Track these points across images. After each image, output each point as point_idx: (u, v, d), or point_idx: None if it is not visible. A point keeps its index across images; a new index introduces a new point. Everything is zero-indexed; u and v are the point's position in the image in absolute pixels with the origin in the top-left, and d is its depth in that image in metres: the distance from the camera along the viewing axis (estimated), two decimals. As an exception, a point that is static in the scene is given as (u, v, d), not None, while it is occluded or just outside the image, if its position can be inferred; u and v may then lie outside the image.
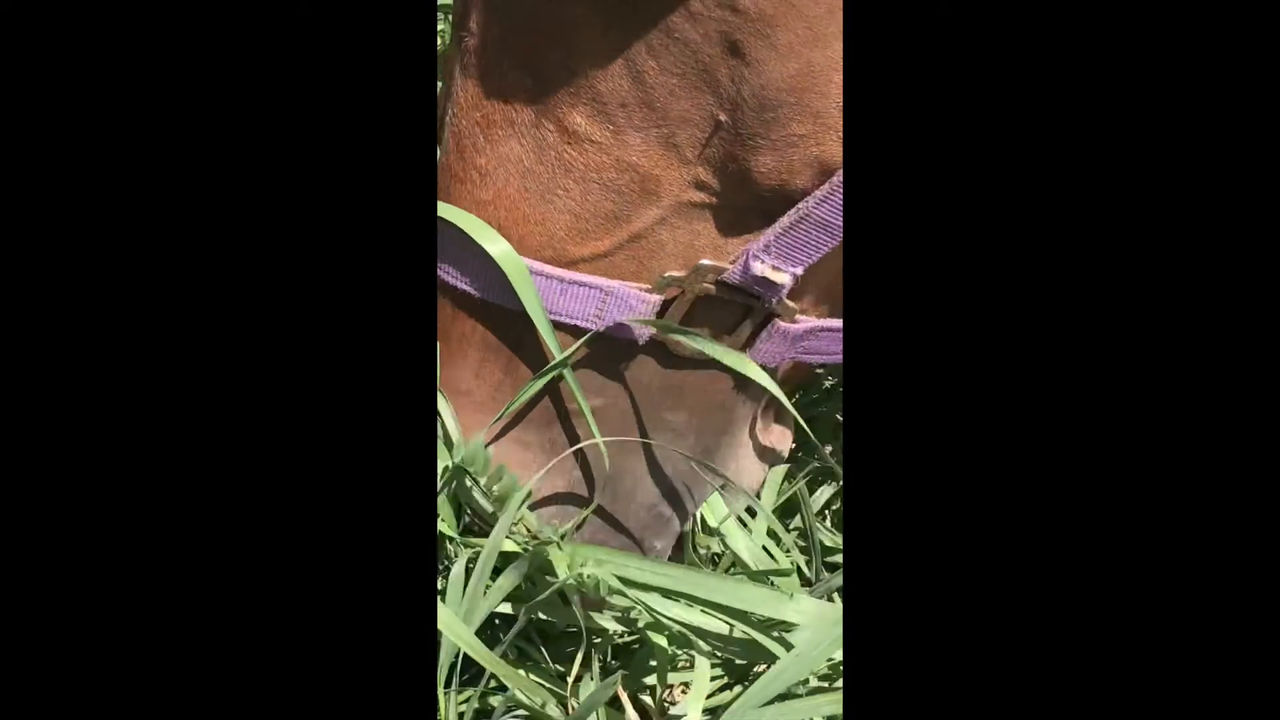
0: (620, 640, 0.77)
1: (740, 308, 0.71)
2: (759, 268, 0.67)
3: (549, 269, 0.68)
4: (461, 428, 0.73)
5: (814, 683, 0.72)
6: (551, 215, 0.68)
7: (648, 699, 0.76)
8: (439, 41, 0.92)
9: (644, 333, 0.70)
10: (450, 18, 0.96)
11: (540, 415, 0.74)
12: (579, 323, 0.69)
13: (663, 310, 0.70)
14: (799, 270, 0.68)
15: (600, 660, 0.75)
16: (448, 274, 0.70)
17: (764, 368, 0.73)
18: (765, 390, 0.75)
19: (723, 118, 0.63)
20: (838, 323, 0.73)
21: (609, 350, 0.72)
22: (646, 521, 0.77)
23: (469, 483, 0.72)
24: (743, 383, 0.75)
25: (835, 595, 0.80)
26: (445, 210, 0.68)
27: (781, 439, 0.85)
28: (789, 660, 0.67)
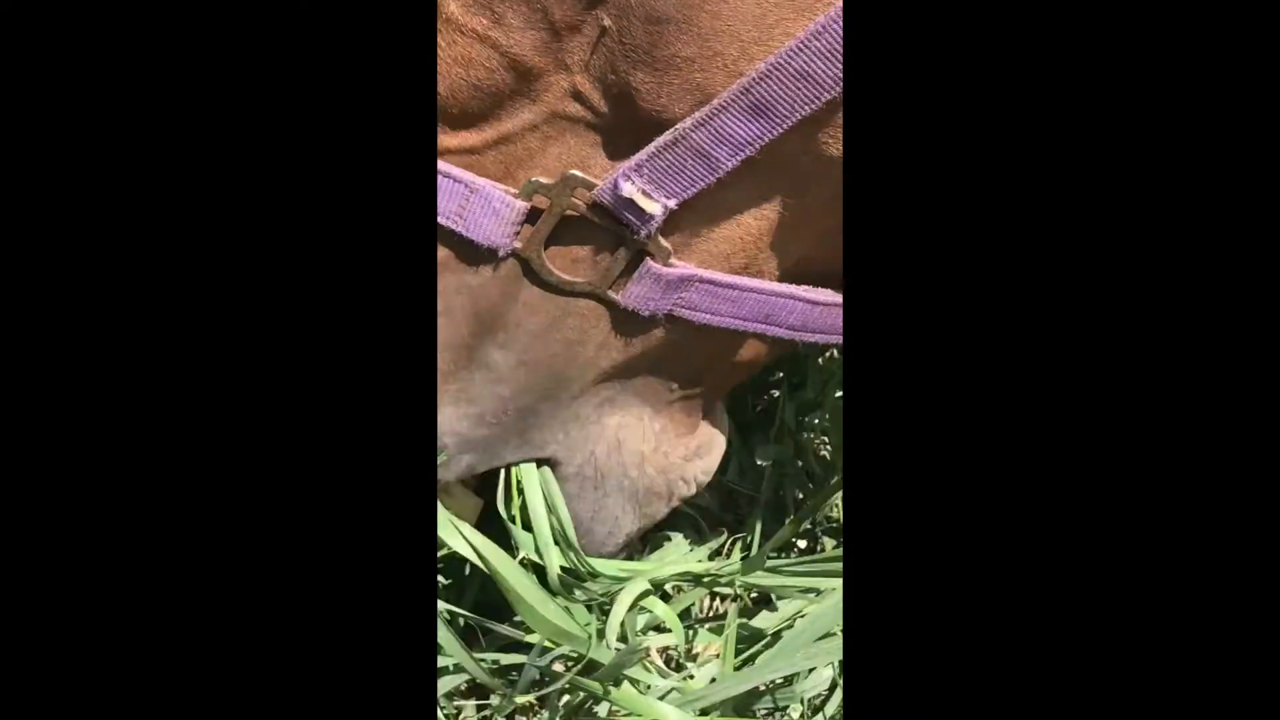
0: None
1: (612, 237, 0.67)
2: (628, 189, 0.63)
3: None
4: None
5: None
6: (450, 92, 0.63)
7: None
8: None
9: (505, 242, 0.66)
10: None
11: None
12: (441, 219, 0.66)
13: (529, 222, 0.66)
14: (672, 203, 0.64)
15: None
16: None
17: (637, 315, 0.69)
18: (604, 341, 0.71)
19: (608, 23, 0.59)
20: (722, 276, 0.68)
21: (467, 253, 0.68)
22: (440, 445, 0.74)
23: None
24: (581, 331, 0.71)
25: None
26: None
27: (705, 438, 0.80)
28: None
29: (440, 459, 0.75)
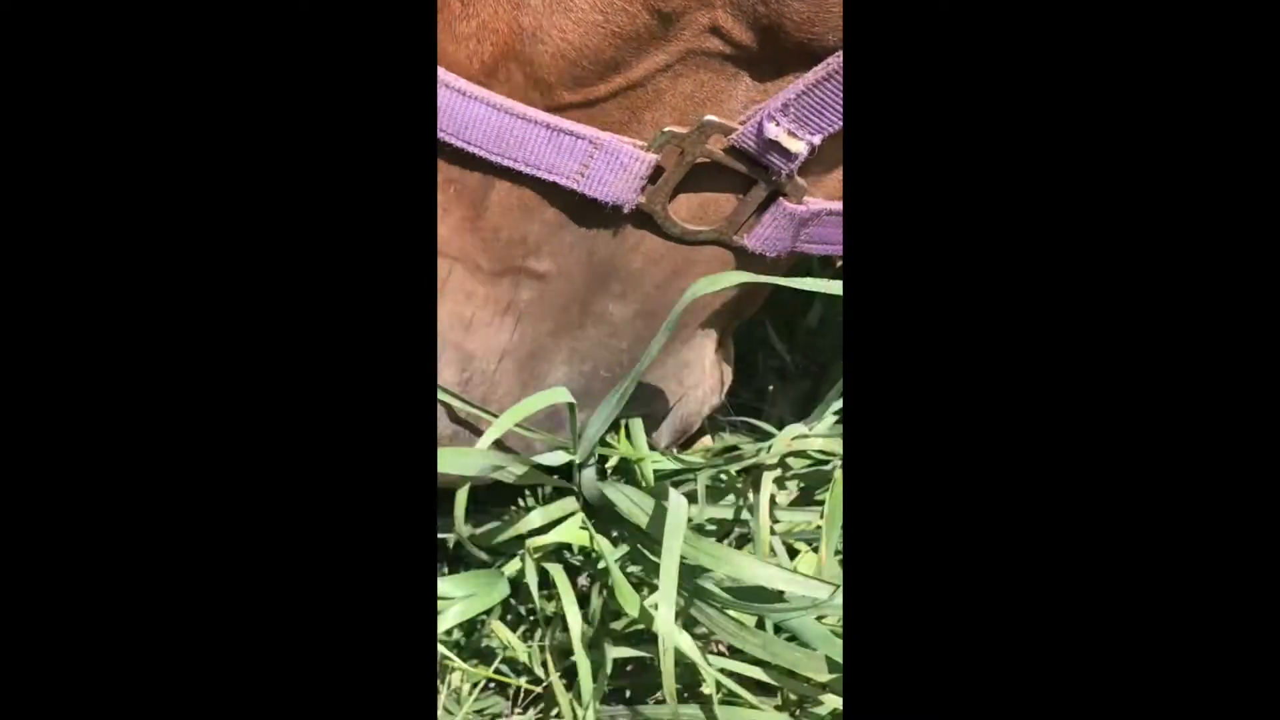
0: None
1: (744, 180, 0.63)
2: (773, 130, 0.58)
3: (536, 113, 0.59)
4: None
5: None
6: (543, 56, 0.58)
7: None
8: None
9: (630, 198, 0.62)
10: None
11: (492, 267, 0.66)
12: (559, 179, 0.61)
13: (656, 174, 0.62)
14: (817, 140, 0.59)
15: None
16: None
17: (762, 258, 0.66)
18: (729, 313, 0.70)
19: None
20: (839, 204, 0.64)
21: (582, 209, 0.63)
22: (544, 413, 0.70)
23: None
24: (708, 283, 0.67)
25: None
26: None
27: (724, 374, 0.79)
28: None
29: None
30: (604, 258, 0.66)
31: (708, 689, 0.68)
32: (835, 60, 0.57)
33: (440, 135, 0.61)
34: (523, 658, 0.74)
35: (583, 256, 0.66)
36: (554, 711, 0.73)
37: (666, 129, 0.60)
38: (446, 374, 0.68)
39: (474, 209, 0.64)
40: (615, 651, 0.70)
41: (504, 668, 0.75)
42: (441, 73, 0.60)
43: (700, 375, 0.76)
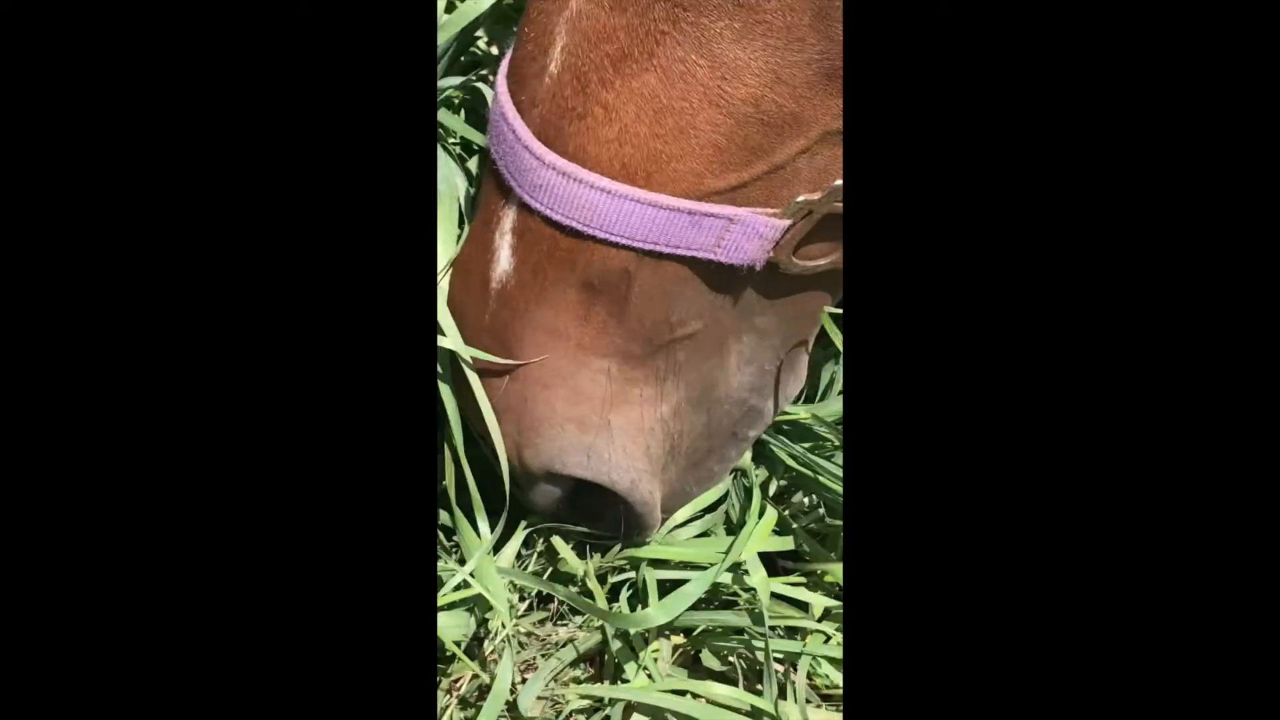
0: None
1: None
2: None
3: (680, 202, 0.63)
4: (560, 371, 0.69)
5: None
6: (689, 150, 0.62)
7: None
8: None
9: (761, 258, 0.66)
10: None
11: (645, 350, 0.70)
12: (697, 253, 0.65)
13: (785, 231, 0.66)
14: None
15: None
16: (548, 210, 0.64)
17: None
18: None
19: None
20: None
21: (714, 272, 0.68)
22: (738, 417, 0.77)
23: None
24: (833, 289, 0.74)
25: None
26: (551, 156, 0.63)
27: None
28: None
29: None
30: (742, 298, 0.71)
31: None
32: None
33: (586, 229, 0.64)
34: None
35: (724, 304, 0.70)
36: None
37: (800, 198, 0.64)
38: (635, 449, 0.72)
39: (616, 307, 0.68)
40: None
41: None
42: (588, 174, 0.63)
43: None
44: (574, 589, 0.79)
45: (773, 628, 0.78)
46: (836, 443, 0.83)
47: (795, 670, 0.77)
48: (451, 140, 0.85)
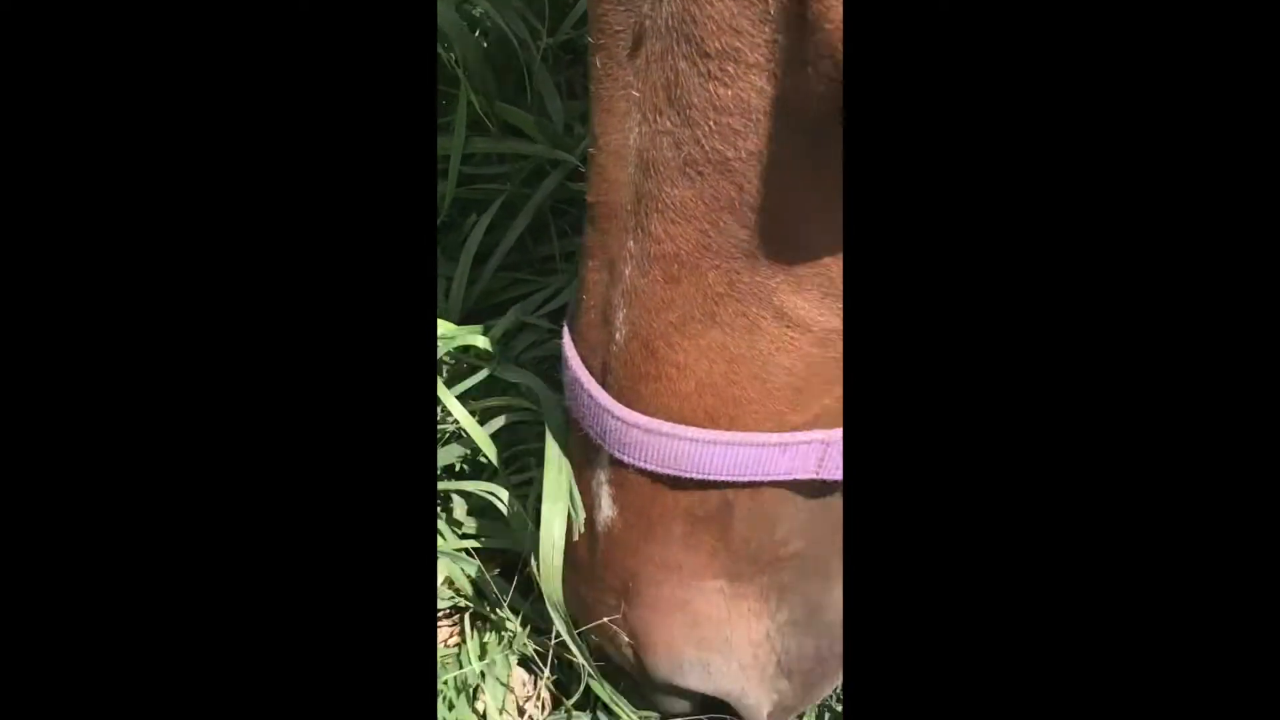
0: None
1: None
2: None
3: (769, 437, 0.64)
4: (676, 601, 0.72)
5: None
6: (768, 392, 0.63)
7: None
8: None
9: (810, 474, 0.66)
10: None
11: (751, 570, 0.71)
12: (799, 475, 0.65)
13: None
14: None
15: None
16: (644, 462, 0.66)
17: None
18: None
19: None
20: None
21: (819, 488, 0.68)
22: (838, 664, 0.77)
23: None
24: None
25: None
26: (634, 416, 0.64)
27: None
28: None
29: None
30: (839, 521, 0.70)
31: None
32: None
33: (682, 474, 0.65)
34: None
35: (828, 521, 0.70)
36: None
37: None
38: (745, 659, 0.74)
39: (721, 531, 0.69)
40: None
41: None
42: (673, 427, 0.64)
43: None
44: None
45: None
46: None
47: None
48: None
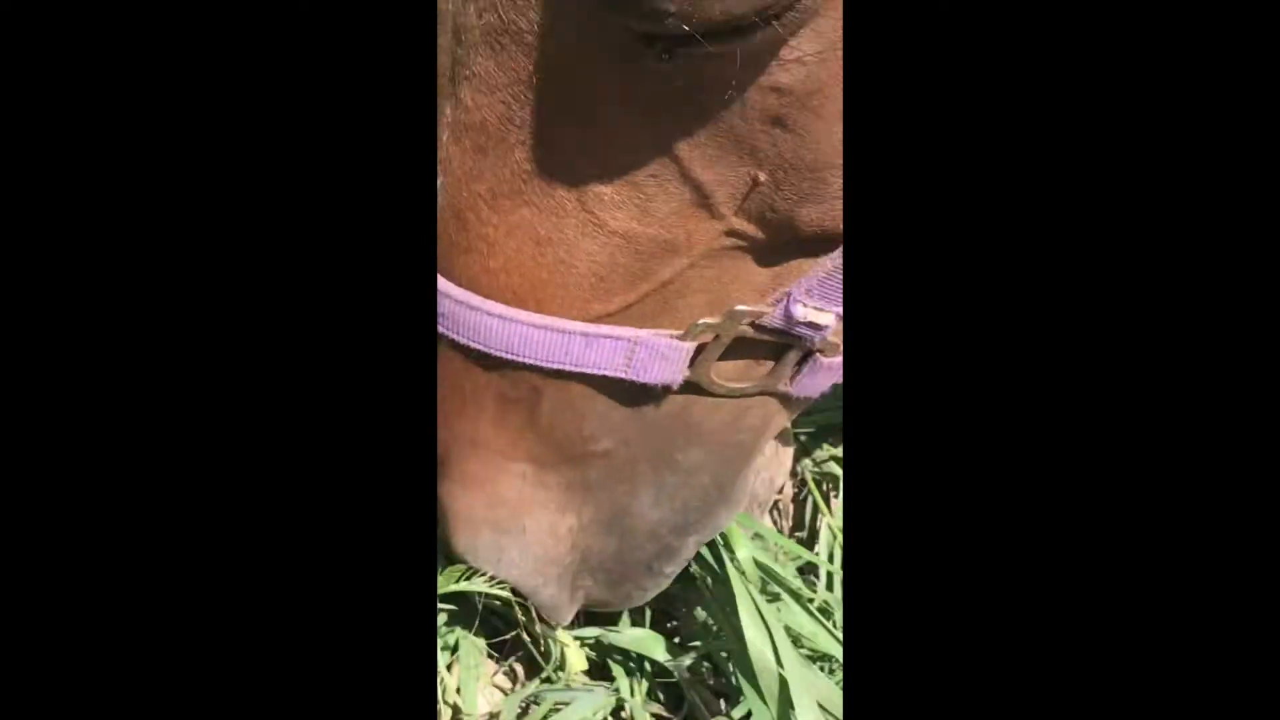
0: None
1: (778, 345, 0.68)
2: (802, 312, 0.64)
3: (571, 324, 0.65)
4: (480, 477, 0.73)
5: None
6: (572, 278, 0.64)
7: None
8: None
9: (677, 378, 0.67)
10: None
11: (557, 458, 0.73)
12: (607, 372, 0.66)
13: (696, 353, 0.67)
14: (838, 309, 0.64)
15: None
16: (456, 334, 0.67)
17: (804, 399, 0.72)
18: (779, 416, 0.75)
19: (762, 178, 0.58)
20: None
21: (631, 390, 0.69)
22: (655, 552, 0.78)
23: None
24: (764, 417, 0.74)
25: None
26: (446, 285, 0.65)
27: (785, 457, 0.85)
28: None
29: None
30: (660, 422, 0.71)
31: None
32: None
33: (491, 350, 0.66)
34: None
35: (640, 427, 0.71)
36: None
37: (700, 321, 0.65)
38: (542, 553, 0.76)
39: (530, 415, 0.70)
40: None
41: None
42: (482, 300, 0.65)
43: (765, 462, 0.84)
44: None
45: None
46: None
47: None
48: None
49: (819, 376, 0.70)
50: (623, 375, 0.66)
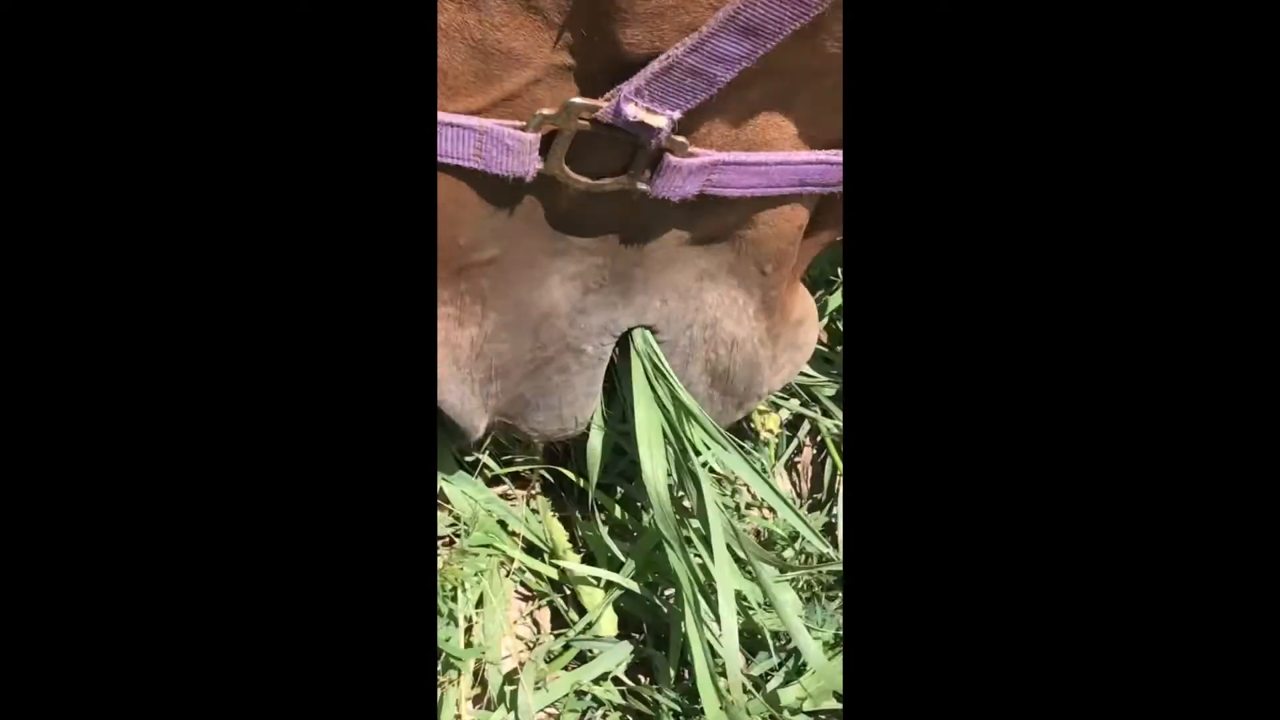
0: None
1: (629, 144, 0.70)
2: (632, 110, 0.65)
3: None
4: None
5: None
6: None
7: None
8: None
9: (528, 170, 0.69)
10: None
11: (445, 271, 0.75)
12: (461, 162, 0.69)
13: (545, 147, 0.69)
14: (677, 114, 0.66)
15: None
16: None
17: (668, 201, 0.73)
18: (709, 226, 0.77)
19: None
20: (744, 155, 0.71)
21: (499, 193, 0.72)
22: (572, 332, 0.80)
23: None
24: (656, 216, 0.75)
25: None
26: None
27: (805, 314, 0.87)
28: None
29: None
30: (541, 215, 0.74)
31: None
32: (675, 51, 0.63)
33: None
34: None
35: (522, 228, 0.74)
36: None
37: (539, 112, 0.67)
38: (444, 370, 0.79)
39: None
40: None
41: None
42: None
43: (699, 316, 0.84)
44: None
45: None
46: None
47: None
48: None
49: (674, 178, 0.71)
50: (476, 165, 0.69)
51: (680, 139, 0.69)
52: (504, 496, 0.95)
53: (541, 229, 0.75)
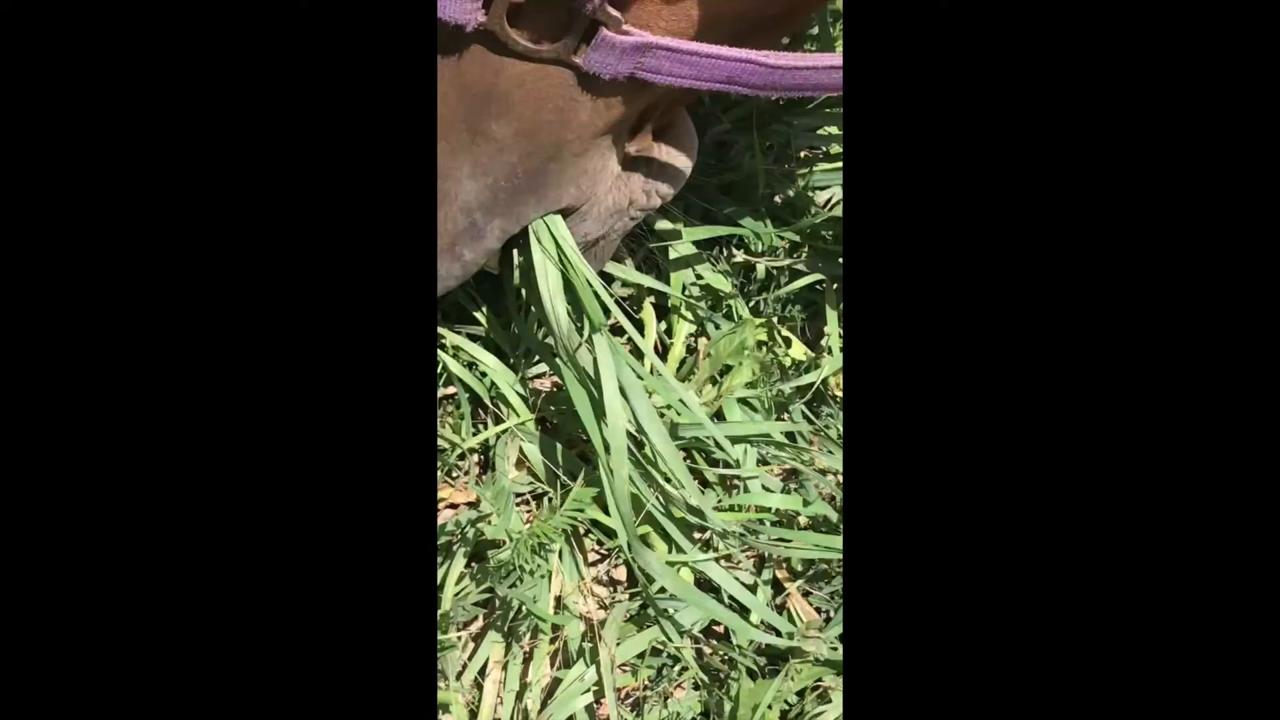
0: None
1: (565, 12, 0.70)
2: None
3: None
4: None
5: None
6: None
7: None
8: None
9: (470, 19, 0.69)
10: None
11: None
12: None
13: (486, 7, 0.69)
14: None
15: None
16: None
17: (598, 78, 0.73)
18: (631, 111, 0.77)
19: None
20: (678, 42, 0.71)
21: (443, 41, 0.72)
22: (456, 230, 0.81)
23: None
24: (584, 100, 0.75)
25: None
26: None
27: (671, 158, 0.85)
28: None
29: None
30: (473, 83, 0.74)
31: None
32: None
33: None
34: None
35: (454, 81, 0.74)
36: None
37: None
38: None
39: None
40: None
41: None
42: None
43: (604, 187, 0.84)
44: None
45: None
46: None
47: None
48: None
49: (608, 55, 0.71)
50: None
51: (614, 12, 0.69)
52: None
53: (469, 96, 0.75)
